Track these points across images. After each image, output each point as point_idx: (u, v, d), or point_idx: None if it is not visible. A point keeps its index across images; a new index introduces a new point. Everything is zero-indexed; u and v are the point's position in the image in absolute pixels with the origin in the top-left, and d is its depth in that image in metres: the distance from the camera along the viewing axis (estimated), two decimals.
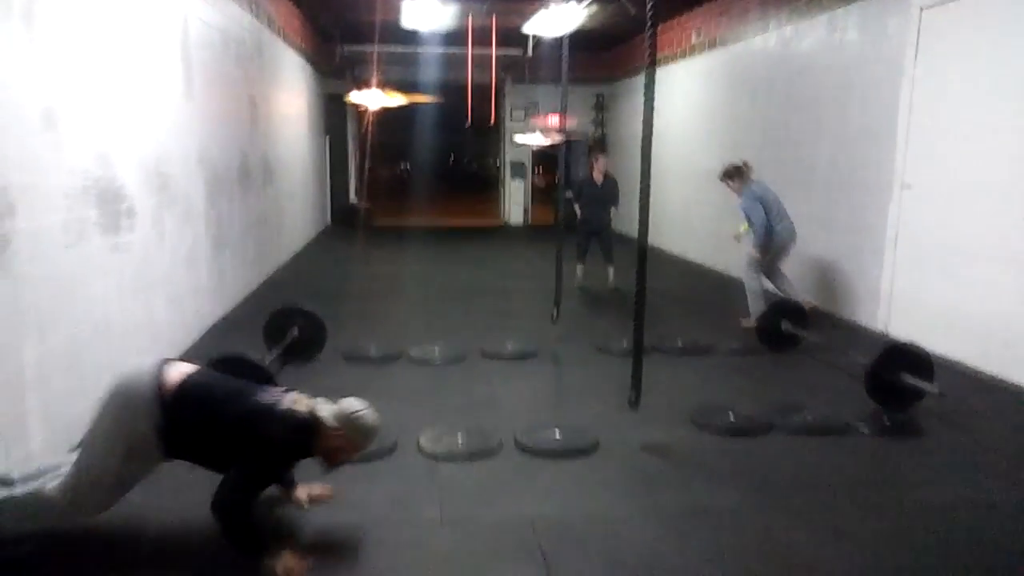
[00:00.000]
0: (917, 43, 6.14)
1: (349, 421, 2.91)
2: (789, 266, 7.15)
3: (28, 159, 3.41)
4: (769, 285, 6.97)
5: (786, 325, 5.94)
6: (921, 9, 6.09)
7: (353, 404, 2.97)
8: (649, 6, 3.95)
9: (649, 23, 3.95)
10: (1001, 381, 5.22)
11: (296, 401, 2.95)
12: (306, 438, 2.88)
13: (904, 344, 4.74)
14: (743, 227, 6.95)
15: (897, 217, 6.38)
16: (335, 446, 2.92)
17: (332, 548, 2.98)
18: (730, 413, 4.45)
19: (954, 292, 5.73)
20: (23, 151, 3.36)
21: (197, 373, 2.97)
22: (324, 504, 3.24)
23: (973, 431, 4.37)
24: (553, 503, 3.40)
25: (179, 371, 2.90)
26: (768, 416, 4.43)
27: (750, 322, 6.55)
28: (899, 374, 4.46)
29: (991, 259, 5.37)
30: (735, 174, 6.91)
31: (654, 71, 3.91)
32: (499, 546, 3.02)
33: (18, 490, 2.82)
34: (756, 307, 6.64)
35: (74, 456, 2.89)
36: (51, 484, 2.82)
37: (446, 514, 3.28)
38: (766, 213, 6.66)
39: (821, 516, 3.32)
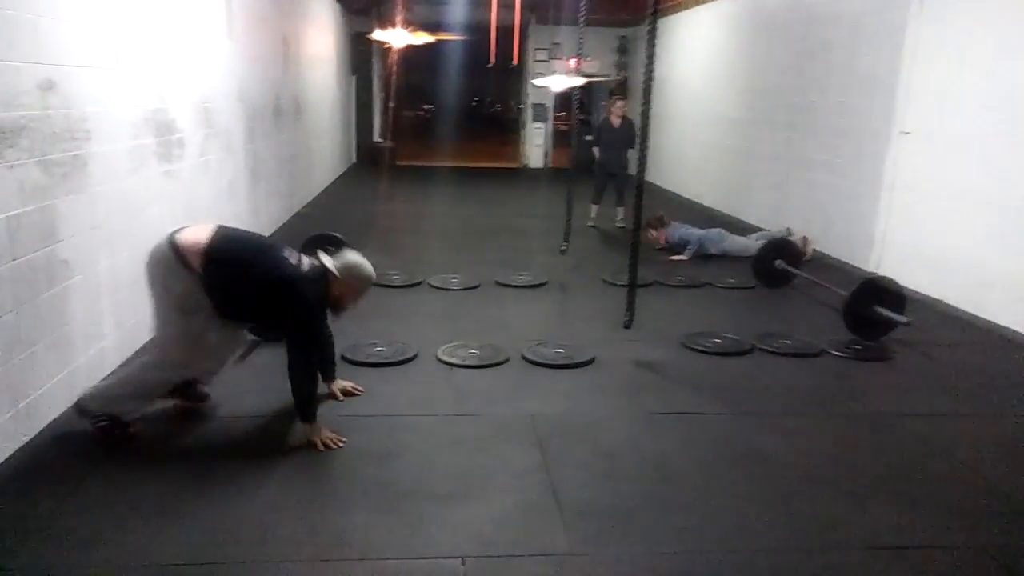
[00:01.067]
0: None
1: (350, 271, 3.47)
2: (793, 205, 7.52)
3: (102, 92, 3.89)
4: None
5: (780, 263, 6.36)
6: None
7: (353, 256, 3.53)
8: None
9: None
10: (976, 317, 5.64)
11: (310, 260, 3.48)
12: (324, 290, 3.43)
13: (879, 279, 5.17)
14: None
15: (894, 163, 6.71)
16: (339, 294, 3.47)
17: (362, 430, 3.54)
18: (717, 337, 4.93)
19: (941, 236, 6.10)
20: (98, 85, 3.85)
21: (218, 234, 3.38)
22: (356, 397, 3.80)
23: (937, 358, 4.83)
24: (551, 404, 3.93)
25: (194, 233, 3.35)
26: (752, 340, 4.91)
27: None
28: (873, 306, 4.90)
29: (978, 204, 5.72)
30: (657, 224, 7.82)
31: (655, 22, 4.27)
32: (503, 434, 3.56)
33: (116, 376, 3.40)
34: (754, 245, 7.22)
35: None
36: (141, 361, 3.40)
37: (459, 409, 3.83)
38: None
39: (784, 420, 3.83)
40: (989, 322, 5.53)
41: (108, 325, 4.01)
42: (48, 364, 3.41)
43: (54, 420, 3.45)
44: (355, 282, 3.49)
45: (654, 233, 7.75)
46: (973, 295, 5.74)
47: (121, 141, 4.15)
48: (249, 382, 4.03)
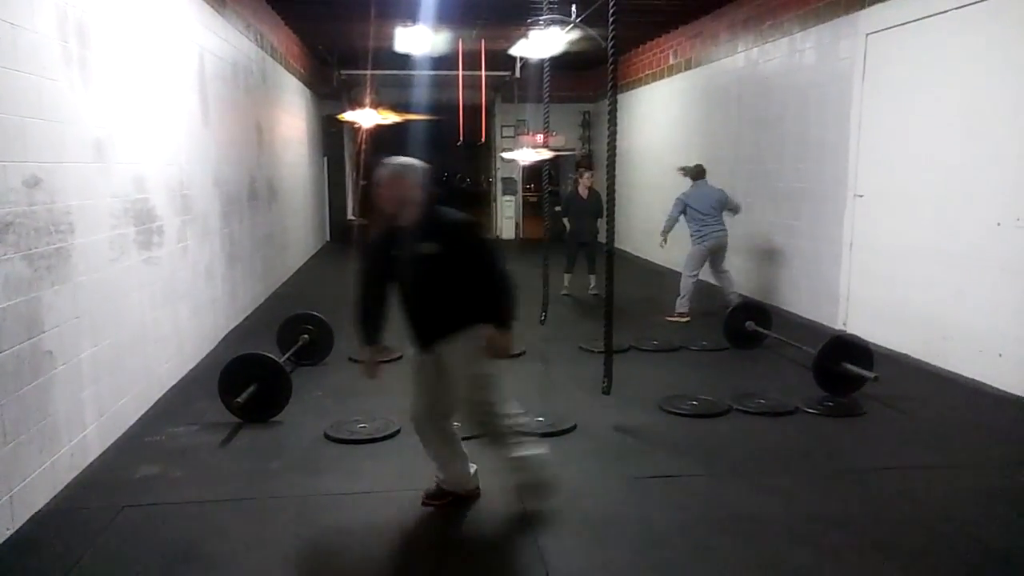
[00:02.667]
0: (864, 65, 6.79)
1: None
2: (761, 268, 7.77)
3: (84, 185, 4.01)
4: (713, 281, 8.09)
5: (750, 324, 6.54)
6: (867, 34, 6.74)
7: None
8: (610, 43, 4.58)
9: (611, 58, 4.58)
10: (940, 370, 5.82)
11: None
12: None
13: (846, 336, 5.35)
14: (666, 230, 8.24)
15: (852, 224, 7.01)
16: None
17: (348, 508, 3.55)
18: (694, 399, 5.04)
19: (902, 292, 6.34)
20: (81, 178, 3.96)
21: None
22: (339, 474, 3.81)
23: (907, 412, 4.97)
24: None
25: None
26: (728, 401, 5.02)
27: (675, 315, 7.78)
28: (841, 363, 5.06)
29: (931, 261, 5.99)
30: (687, 172, 8.16)
31: (615, 99, 4.55)
32: (490, 505, 3.59)
33: None
34: (682, 304, 7.78)
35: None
36: None
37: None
38: (689, 214, 7.92)
39: (765, 479, 3.91)
40: (952, 374, 5.71)
41: (90, 414, 4.01)
42: (32, 455, 3.40)
43: (38, 511, 3.42)
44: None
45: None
46: (935, 348, 5.94)
47: (103, 232, 4.23)
48: (231, 464, 4.03)
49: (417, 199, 3.25)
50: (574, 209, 9.30)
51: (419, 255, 3.22)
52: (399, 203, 3.25)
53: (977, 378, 5.50)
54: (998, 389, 5.31)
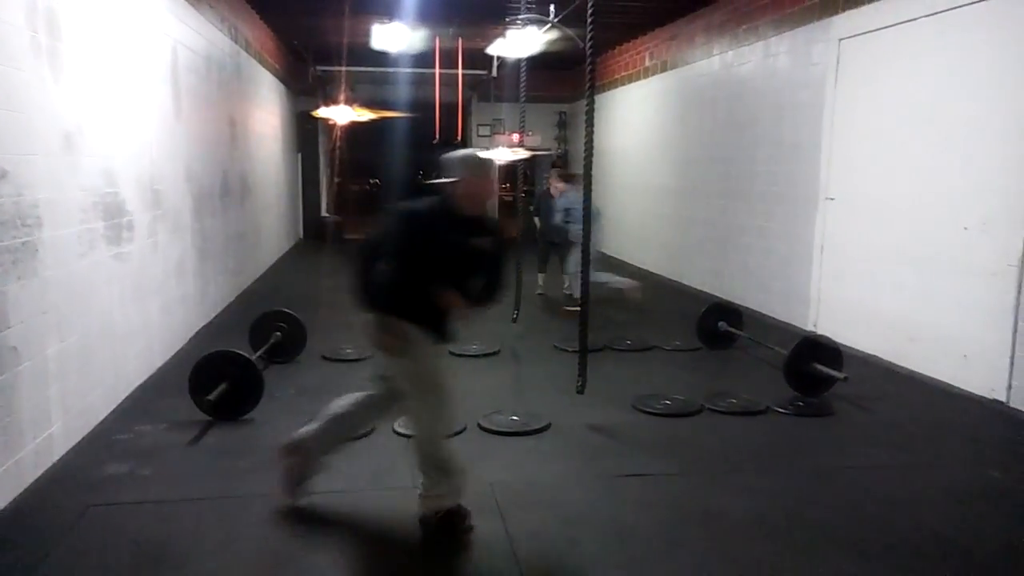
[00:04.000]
0: (837, 70, 6.89)
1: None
2: (734, 269, 7.83)
3: (53, 178, 3.93)
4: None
5: (723, 324, 6.61)
6: (840, 40, 6.84)
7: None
8: (588, 44, 4.59)
9: (588, 59, 4.59)
10: (907, 370, 5.93)
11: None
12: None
13: (816, 337, 5.42)
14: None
15: (823, 227, 7.11)
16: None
17: (323, 508, 3.52)
18: (667, 399, 5.07)
19: (869, 294, 6.45)
20: (49, 171, 3.89)
21: None
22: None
23: (875, 412, 5.05)
24: (509, 471, 3.98)
25: None
26: (700, 400, 5.07)
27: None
28: (811, 364, 5.13)
29: (900, 264, 6.09)
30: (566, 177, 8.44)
31: (593, 100, 4.55)
32: (463, 504, 3.58)
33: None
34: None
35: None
36: None
37: (417, 482, 3.83)
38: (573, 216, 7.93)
39: (735, 478, 3.95)
40: (919, 374, 5.81)
41: (56, 411, 3.93)
42: None
43: (1, 511, 3.35)
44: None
45: (556, 183, 8.20)
46: (903, 349, 6.05)
47: (71, 226, 4.15)
48: (200, 463, 3.98)
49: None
50: (544, 209, 9.32)
51: (474, 248, 3.29)
52: (489, 194, 3.38)
53: (943, 379, 5.61)
54: (963, 390, 5.41)
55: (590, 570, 3.02)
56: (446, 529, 3.27)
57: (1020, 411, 4.95)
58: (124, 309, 5.00)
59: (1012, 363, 5.04)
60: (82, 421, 4.25)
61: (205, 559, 3.06)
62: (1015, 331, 4.98)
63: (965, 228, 5.41)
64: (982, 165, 5.28)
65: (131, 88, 5.25)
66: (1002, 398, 5.11)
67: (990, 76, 5.24)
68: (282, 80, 13.09)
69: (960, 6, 5.43)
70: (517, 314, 7.15)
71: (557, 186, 9.31)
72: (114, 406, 4.76)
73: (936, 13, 5.66)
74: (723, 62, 9.16)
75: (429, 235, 3.22)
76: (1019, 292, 4.98)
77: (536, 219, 9.40)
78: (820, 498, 3.74)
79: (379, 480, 3.83)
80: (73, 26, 4.23)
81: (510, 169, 8.80)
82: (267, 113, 11.56)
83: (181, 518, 3.41)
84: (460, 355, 6.30)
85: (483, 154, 3.46)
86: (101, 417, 4.54)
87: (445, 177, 3.35)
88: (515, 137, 9.62)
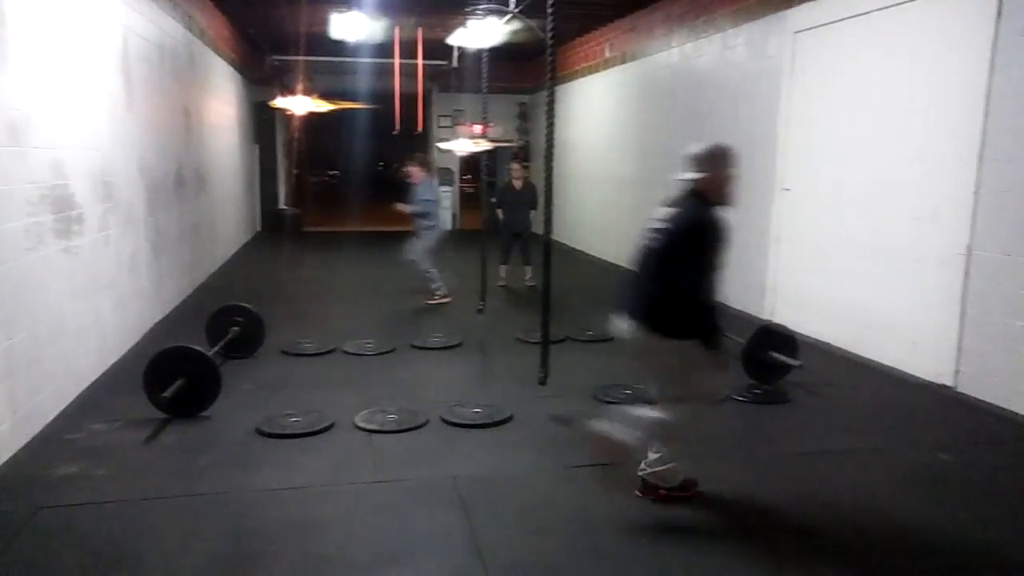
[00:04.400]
0: (792, 62, 7.00)
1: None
2: None
3: None
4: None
5: None
6: (795, 32, 6.94)
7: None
8: (549, 35, 4.58)
9: (549, 49, 4.58)
10: (860, 357, 6.08)
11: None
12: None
13: (772, 326, 5.52)
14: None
15: (778, 217, 7.22)
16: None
17: (281, 504, 3.48)
18: (628, 388, 5.12)
19: (824, 283, 6.58)
20: None
21: None
22: (273, 471, 3.73)
23: (830, 398, 5.17)
24: (472, 464, 3.98)
25: None
26: None
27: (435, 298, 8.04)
28: (768, 352, 5.22)
29: (853, 254, 6.23)
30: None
31: (554, 91, 4.55)
32: (426, 497, 3.58)
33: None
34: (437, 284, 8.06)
35: None
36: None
37: (379, 475, 3.82)
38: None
39: (696, 466, 3.99)
40: (872, 361, 5.96)
41: (3, 411, 3.82)
42: None
43: None
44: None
45: (415, 170, 8.34)
46: (856, 336, 6.19)
47: (18, 219, 4.02)
48: (156, 461, 3.91)
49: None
50: (508, 200, 9.32)
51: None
52: (735, 184, 3.44)
53: (895, 365, 5.76)
54: (913, 375, 5.57)
55: (553, 560, 3.04)
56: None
57: (967, 395, 5.11)
58: (75, 305, 4.86)
59: (959, 349, 5.20)
60: (31, 421, 4.13)
61: (162, 560, 3.01)
62: (962, 318, 5.14)
63: (916, 218, 5.55)
64: (932, 157, 5.42)
65: (80, 77, 5.09)
66: (950, 383, 5.27)
67: (940, 70, 5.37)
68: (238, 69, 12.84)
69: (911, 0, 5.55)
70: (483, 305, 7.15)
71: (518, 178, 9.32)
72: (65, 405, 4.64)
73: (887, 7, 5.78)
74: (682, 54, 9.23)
75: (719, 242, 3.30)
76: (966, 280, 5.13)
77: (499, 211, 9.39)
78: (779, 484, 3.81)
79: (338, 475, 3.80)
80: (18, 13, 4.09)
81: (473, 161, 8.75)
82: (223, 103, 11.33)
83: (137, 519, 3.34)
84: (422, 348, 6.28)
85: (722, 143, 3.41)
86: (52, 416, 4.42)
87: (694, 172, 3.34)
88: (477, 128, 9.58)
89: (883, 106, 5.91)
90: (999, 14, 4.83)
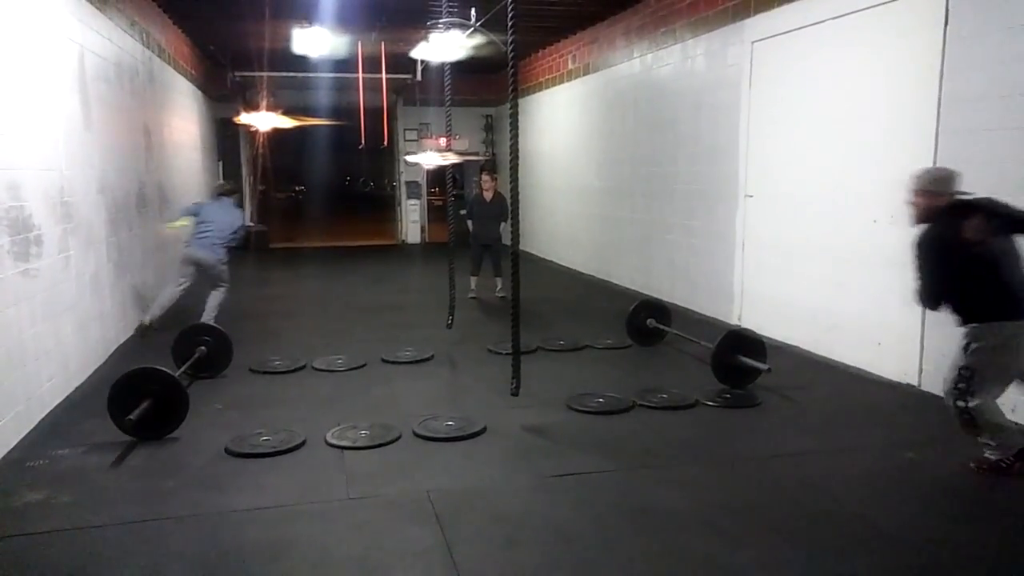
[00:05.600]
0: (751, 72, 7.13)
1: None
2: (660, 266, 8.01)
3: None
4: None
5: (651, 321, 6.74)
6: (752, 42, 7.07)
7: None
8: (510, 48, 4.61)
9: (511, 62, 4.61)
10: (826, 359, 6.18)
11: None
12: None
13: (740, 331, 5.59)
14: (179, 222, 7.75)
15: (743, 223, 7.33)
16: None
17: (252, 525, 3.43)
18: (600, 397, 5.14)
19: (789, 287, 6.69)
20: None
21: None
22: (242, 491, 3.68)
23: (799, 400, 5.24)
24: (446, 477, 3.96)
25: None
26: (632, 397, 5.16)
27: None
28: (737, 356, 5.29)
29: (816, 257, 6.34)
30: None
31: (517, 103, 4.58)
32: (400, 513, 3.55)
33: None
34: (156, 311, 7.18)
35: None
36: None
37: (352, 492, 3.78)
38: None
39: (670, 472, 4.04)
40: (838, 363, 6.06)
41: None
42: None
43: None
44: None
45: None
46: (821, 339, 6.30)
47: None
48: (123, 486, 3.83)
49: None
50: (477, 212, 9.33)
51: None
52: None
53: (861, 366, 5.86)
54: (878, 376, 5.67)
55: (529, 572, 3.04)
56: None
57: (931, 394, 5.22)
58: (35, 328, 4.76)
59: (922, 348, 5.31)
60: None
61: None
62: (923, 318, 5.25)
63: (874, 221, 5.67)
64: (888, 161, 5.54)
65: (35, 97, 5.00)
66: (914, 382, 5.38)
67: (893, 76, 5.51)
68: (199, 87, 12.70)
69: (863, 8, 5.69)
70: (452, 319, 7.14)
71: (488, 189, 9.34)
72: (27, 431, 4.52)
73: (841, 16, 5.92)
74: (643, 64, 9.35)
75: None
76: None
77: (468, 223, 9.40)
78: (751, 487, 3.85)
79: (310, 493, 3.76)
80: None
81: (440, 173, 8.76)
82: (184, 120, 11.19)
83: (104, 545, 3.27)
84: (393, 362, 6.25)
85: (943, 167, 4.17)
86: (12, 444, 4.31)
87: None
88: (443, 141, 9.59)
89: (840, 112, 6.04)
90: (946, 21, 4.97)
